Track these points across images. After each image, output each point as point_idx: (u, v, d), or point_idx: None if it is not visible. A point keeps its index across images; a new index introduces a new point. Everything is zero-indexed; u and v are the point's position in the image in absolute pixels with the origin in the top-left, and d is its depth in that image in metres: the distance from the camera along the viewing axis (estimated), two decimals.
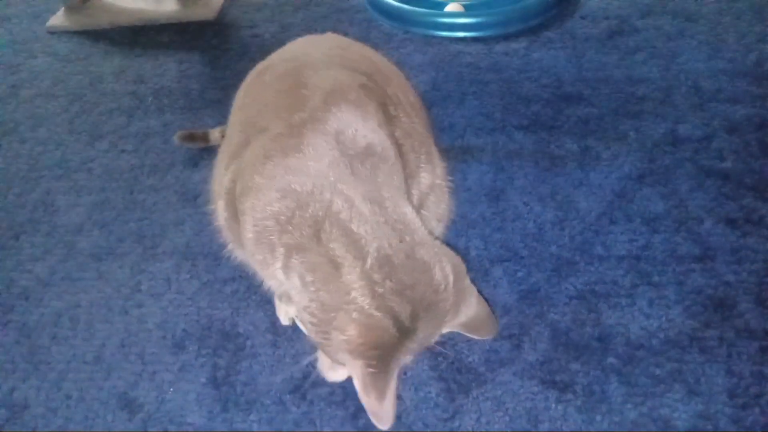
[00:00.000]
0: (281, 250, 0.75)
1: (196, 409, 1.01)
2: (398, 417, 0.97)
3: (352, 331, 0.70)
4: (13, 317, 1.19)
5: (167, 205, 1.39)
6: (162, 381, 1.05)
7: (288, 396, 1.01)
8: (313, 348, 1.07)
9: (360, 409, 0.99)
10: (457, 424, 0.97)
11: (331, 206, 0.73)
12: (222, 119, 1.35)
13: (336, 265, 0.71)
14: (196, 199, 1.38)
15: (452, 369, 1.04)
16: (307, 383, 1.03)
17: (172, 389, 1.04)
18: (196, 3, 2.13)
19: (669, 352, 1.05)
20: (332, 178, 0.74)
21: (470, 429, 0.96)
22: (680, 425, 0.96)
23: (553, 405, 0.99)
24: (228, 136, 1.00)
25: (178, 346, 1.10)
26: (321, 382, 1.03)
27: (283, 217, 0.74)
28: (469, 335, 0.84)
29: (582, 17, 1.93)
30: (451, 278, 0.75)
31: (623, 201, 1.31)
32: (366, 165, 0.76)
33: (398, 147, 0.87)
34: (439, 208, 1.01)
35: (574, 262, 1.20)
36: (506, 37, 1.86)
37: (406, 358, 0.74)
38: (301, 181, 0.74)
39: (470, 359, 1.06)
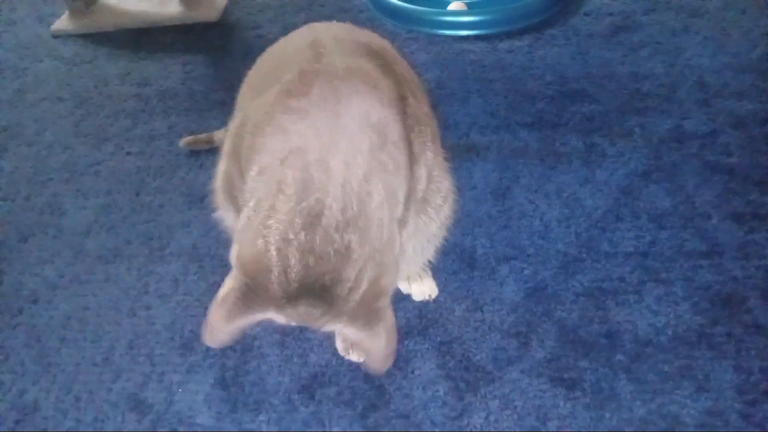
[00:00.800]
0: (255, 167, 0.74)
1: (205, 410, 1.01)
2: (407, 416, 0.98)
3: (248, 252, 0.69)
4: (22, 320, 1.19)
5: (174, 207, 1.40)
6: (171, 382, 1.06)
7: (296, 396, 1.02)
8: (322, 344, 1.08)
9: (368, 409, 1.00)
10: (465, 422, 0.97)
11: (306, 144, 0.71)
12: (226, 120, 1.35)
13: (279, 189, 0.70)
14: (202, 200, 1.38)
15: (460, 367, 1.04)
16: (315, 383, 1.03)
17: (180, 390, 1.04)
18: (199, 5, 2.14)
19: (677, 348, 1.04)
20: (321, 127, 0.72)
21: (479, 427, 0.97)
22: (689, 422, 0.95)
23: (562, 402, 0.99)
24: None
25: (186, 347, 1.11)
26: (329, 381, 1.03)
27: (270, 146, 0.74)
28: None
29: (585, 14, 1.93)
30: (362, 287, 0.70)
31: (629, 198, 1.31)
32: (357, 128, 0.73)
33: (408, 126, 0.85)
34: (443, 186, 0.99)
35: (580, 260, 1.20)
36: (510, 35, 1.85)
37: (277, 317, 0.71)
38: (295, 119, 0.73)
39: (478, 357, 1.06)
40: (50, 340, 1.15)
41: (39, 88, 1.85)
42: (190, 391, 1.04)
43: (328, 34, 0.93)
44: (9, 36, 2.14)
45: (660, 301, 1.12)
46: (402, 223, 0.80)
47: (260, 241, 0.68)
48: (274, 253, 0.67)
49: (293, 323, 0.73)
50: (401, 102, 0.84)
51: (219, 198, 0.96)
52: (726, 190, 1.30)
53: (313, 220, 0.68)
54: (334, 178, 0.69)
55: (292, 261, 0.67)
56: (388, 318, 0.73)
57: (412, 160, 0.88)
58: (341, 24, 1.07)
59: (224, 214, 0.98)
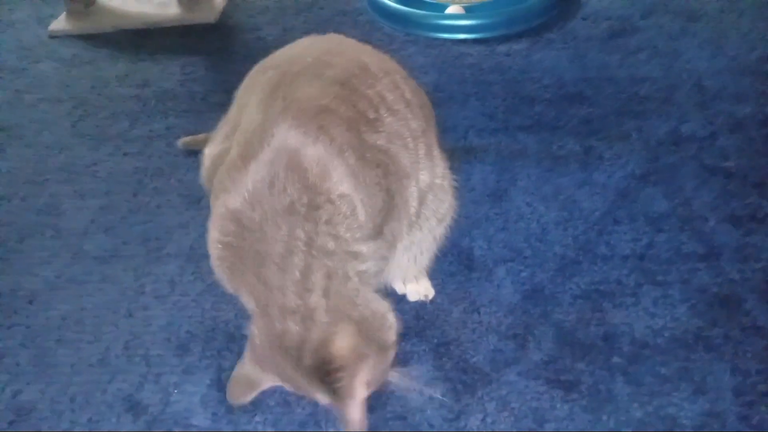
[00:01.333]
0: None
1: (201, 411, 1.01)
2: (404, 417, 0.98)
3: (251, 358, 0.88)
4: (18, 320, 1.19)
5: (171, 208, 1.40)
6: (167, 383, 1.05)
7: (292, 397, 1.01)
8: None
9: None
10: (462, 424, 0.97)
11: (247, 260, 0.82)
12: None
13: (254, 313, 0.86)
14: (200, 201, 1.38)
15: (457, 369, 1.04)
16: None
17: (176, 391, 1.04)
18: (197, 6, 2.14)
19: (675, 350, 1.04)
20: (257, 234, 0.81)
21: (476, 429, 0.96)
22: (687, 424, 0.95)
23: (559, 404, 0.99)
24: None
25: (183, 348, 1.10)
26: None
27: (218, 252, 0.86)
28: None
29: (583, 18, 1.94)
30: (305, 359, 0.80)
31: (627, 200, 1.31)
32: (286, 225, 0.80)
33: (382, 153, 0.88)
34: (441, 208, 1.01)
35: (578, 262, 1.20)
36: (508, 39, 1.86)
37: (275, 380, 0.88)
38: (236, 228, 0.82)
39: (475, 359, 1.05)
40: (46, 341, 1.14)
41: (37, 89, 1.85)
42: (187, 392, 1.04)
43: (294, 67, 0.94)
44: (7, 37, 2.14)
45: (657, 303, 1.12)
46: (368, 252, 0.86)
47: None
48: (254, 329, 0.86)
49: (288, 388, 0.89)
50: (370, 130, 0.88)
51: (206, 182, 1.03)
52: (724, 192, 1.30)
53: (263, 313, 0.83)
54: (272, 284, 0.81)
55: (261, 339, 0.85)
56: (345, 387, 0.79)
57: (401, 175, 0.92)
58: (327, 41, 1.08)
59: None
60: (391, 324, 0.86)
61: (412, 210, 0.96)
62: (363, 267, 0.85)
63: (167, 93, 1.77)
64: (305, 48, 1.04)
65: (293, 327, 0.79)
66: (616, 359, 1.04)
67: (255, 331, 0.85)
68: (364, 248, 0.85)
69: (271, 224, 0.80)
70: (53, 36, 2.12)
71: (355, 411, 0.81)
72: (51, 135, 1.66)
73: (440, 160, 1.01)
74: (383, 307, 0.87)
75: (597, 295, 1.14)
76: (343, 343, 0.78)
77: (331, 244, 0.81)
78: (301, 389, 0.85)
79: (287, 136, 0.81)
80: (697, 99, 1.53)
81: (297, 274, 0.80)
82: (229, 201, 0.82)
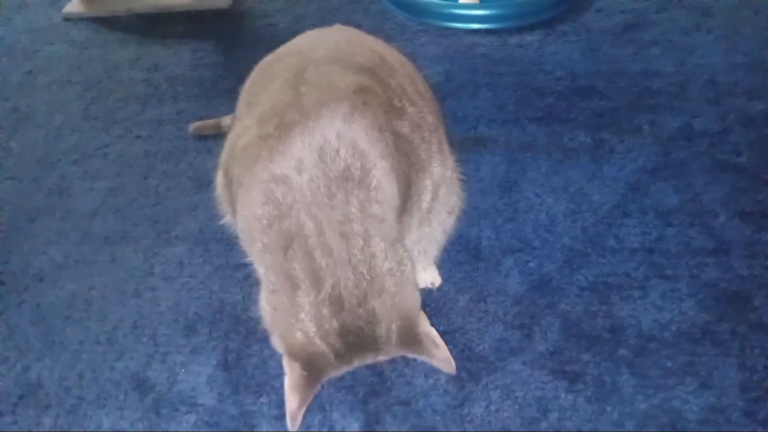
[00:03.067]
0: (258, 244, 0.80)
1: (207, 391, 1.02)
2: (407, 403, 0.99)
3: (294, 342, 0.79)
4: (28, 298, 1.20)
5: (180, 191, 1.40)
6: (174, 363, 1.06)
7: None
8: None
9: (369, 395, 1.00)
10: (466, 411, 0.97)
11: (302, 228, 0.77)
12: (235, 106, 1.36)
13: (294, 284, 0.78)
14: (209, 185, 1.37)
15: (462, 357, 1.04)
16: None
17: (183, 371, 1.05)
18: None
19: (681, 344, 1.04)
20: (309, 198, 0.77)
21: (479, 416, 0.97)
22: (691, 417, 0.95)
23: (563, 395, 0.99)
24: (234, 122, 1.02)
25: (190, 328, 1.11)
26: None
27: (264, 221, 0.79)
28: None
29: (597, 11, 1.92)
30: (394, 335, 0.80)
31: (637, 194, 1.31)
32: (342, 191, 0.78)
33: (407, 142, 0.88)
34: (450, 200, 1.01)
35: (586, 254, 1.20)
36: (520, 30, 1.85)
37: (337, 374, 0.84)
38: (283, 191, 0.77)
39: (480, 348, 1.06)
40: (55, 319, 1.15)
41: (49, 71, 1.86)
42: (193, 372, 1.04)
43: (319, 54, 0.93)
44: (21, 19, 2.15)
45: (665, 297, 1.11)
46: (401, 230, 0.86)
47: (300, 335, 0.79)
48: (318, 341, 0.79)
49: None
50: (396, 117, 0.87)
51: (220, 203, 1.03)
52: (734, 188, 1.29)
53: (336, 307, 0.78)
54: (338, 257, 0.77)
55: (336, 344, 0.79)
56: (428, 335, 0.84)
57: (418, 168, 0.91)
58: (337, 32, 1.08)
59: (226, 216, 1.04)
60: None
61: (425, 205, 0.96)
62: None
63: (178, 77, 1.77)
64: (318, 38, 1.04)
65: (378, 306, 0.79)
66: (622, 351, 1.04)
67: (323, 345, 0.79)
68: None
69: (324, 190, 0.77)
70: (67, 18, 2.12)
71: (445, 353, 0.85)
72: (62, 117, 1.67)
73: (449, 153, 1.01)
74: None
75: (604, 287, 1.14)
76: (413, 302, 0.82)
77: (379, 211, 0.79)
78: (373, 361, 0.84)
79: (335, 107, 0.80)
80: (709, 94, 1.52)
81: (360, 241, 0.78)
82: (272, 167, 0.78)
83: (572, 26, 1.85)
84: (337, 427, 0.96)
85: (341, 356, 0.80)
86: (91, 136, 1.59)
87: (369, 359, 0.82)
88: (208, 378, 1.03)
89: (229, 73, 1.77)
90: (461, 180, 1.04)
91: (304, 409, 0.81)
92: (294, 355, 0.80)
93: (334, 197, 0.77)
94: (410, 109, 0.91)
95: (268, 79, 0.94)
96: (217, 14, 2.06)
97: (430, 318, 1.08)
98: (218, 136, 1.49)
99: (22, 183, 1.47)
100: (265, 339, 1.07)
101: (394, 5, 2.02)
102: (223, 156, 0.95)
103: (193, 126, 1.55)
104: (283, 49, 1.01)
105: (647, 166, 1.36)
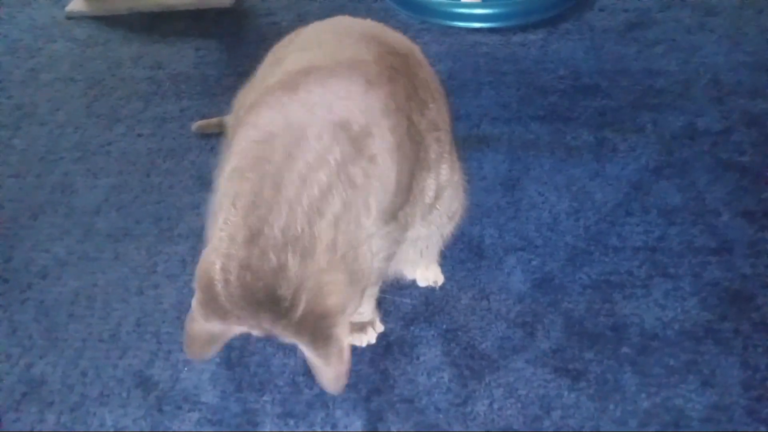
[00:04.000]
0: (229, 167, 0.76)
1: (210, 389, 1.02)
2: (410, 401, 0.99)
3: (200, 266, 0.72)
4: (31, 295, 1.20)
5: (183, 189, 1.40)
6: (177, 360, 1.06)
7: (301, 378, 1.02)
8: None
9: (372, 392, 1.00)
10: (469, 409, 0.97)
11: (271, 156, 0.72)
12: None
13: (234, 202, 0.71)
14: (211, 183, 1.38)
15: (465, 355, 1.04)
16: None
17: (186, 368, 1.05)
18: None
19: (684, 343, 1.04)
20: (295, 133, 0.72)
21: (482, 414, 0.97)
22: (694, 416, 0.95)
23: (566, 393, 0.99)
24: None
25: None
26: None
27: (245, 145, 0.75)
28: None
29: (600, 9, 1.92)
30: (300, 306, 0.69)
31: (640, 193, 1.30)
32: (331, 136, 0.72)
33: (420, 137, 0.86)
34: (453, 206, 1.01)
35: (588, 252, 1.20)
36: (524, 29, 1.84)
37: (238, 328, 0.74)
38: (278, 123, 0.74)
39: (483, 346, 1.06)
40: (58, 316, 1.16)
41: (52, 69, 1.86)
42: (196, 370, 1.05)
43: (353, 30, 0.92)
44: (24, 16, 2.14)
45: (668, 295, 1.11)
46: (380, 235, 0.79)
47: (212, 255, 0.70)
48: (218, 267, 0.69)
49: (257, 334, 0.75)
50: (413, 106, 0.84)
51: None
52: (737, 187, 1.29)
53: (253, 236, 0.69)
54: (283, 195, 0.70)
55: (232, 276, 0.69)
56: (337, 341, 0.72)
57: (425, 166, 0.90)
58: (372, 22, 1.06)
59: None
60: (373, 272, 0.79)
61: (428, 200, 0.95)
62: (373, 240, 0.78)
63: (181, 75, 1.77)
64: (349, 21, 1.02)
65: (292, 266, 0.68)
66: (624, 350, 1.04)
67: (219, 272, 0.70)
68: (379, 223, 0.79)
69: (315, 131, 0.72)
70: (70, 17, 2.12)
71: (343, 365, 0.73)
72: (65, 114, 1.67)
73: (456, 156, 1.01)
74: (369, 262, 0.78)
75: (607, 285, 1.14)
76: (336, 297, 0.71)
77: (361, 181, 0.73)
78: (280, 336, 0.74)
79: (363, 67, 0.78)
80: (713, 93, 1.52)
81: (316, 190, 0.70)
82: (282, 98, 0.75)
83: (575, 25, 1.85)
84: (340, 425, 0.96)
85: (234, 296, 0.69)
86: (94, 133, 1.59)
87: (264, 319, 0.70)
88: (211, 376, 1.04)
89: (232, 70, 1.77)
90: (465, 185, 1.04)
91: (198, 342, 0.76)
92: (198, 278, 0.72)
93: (320, 139, 0.72)
94: (431, 105, 0.90)
95: (297, 45, 0.93)
96: (220, 12, 2.06)
97: (432, 316, 1.11)
98: (221, 134, 1.49)
99: (25, 180, 1.47)
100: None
101: (398, 4, 2.02)
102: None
103: (196, 124, 1.55)
104: (301, 30, 0.99)
105: (650, 165, 1.36)
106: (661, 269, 1.16)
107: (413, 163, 0.85)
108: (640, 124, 1.47)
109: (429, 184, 0.93)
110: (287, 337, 0.73)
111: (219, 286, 0.69)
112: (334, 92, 0.76)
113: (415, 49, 0.97)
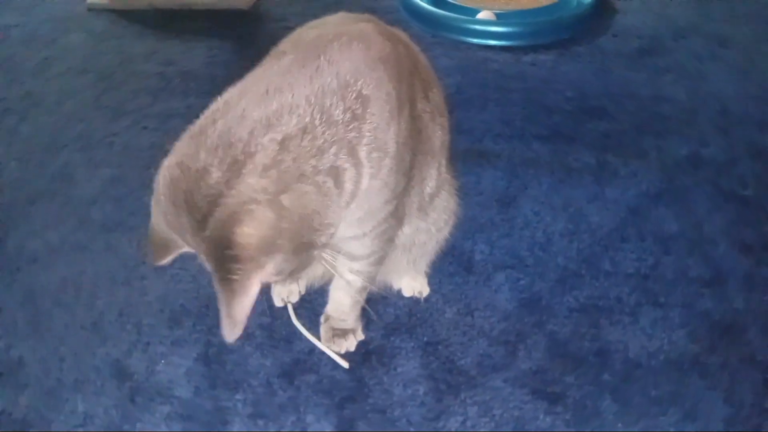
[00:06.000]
0: None
1: (185, 384, 1.01)
2: (383, 411, 0.97)
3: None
4: (19, 279, 1.21)
5: None
6: (155, 353, 1.06)
7: (276, 379, 1.01)
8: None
9: (346, 400, 0.99)
10: (441, 424, 0.96)
11: (262, 79, 0.71)
12: None
13: (208, 112, 0.70)
14: None
15: (443, 369, 1.03)
16: (296, 369, 1.03)
17: (163, 361, 1.04)
18: None
19: (668, 373, 1.02)
20: (301, 62, 0.70)
21: (454, 431, 0.95)
22: None
23: (542, 416, 0.97)
24: None
25: (175, 320, 1.11)
26: (310, 369, 1.03)
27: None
28: None
29: (614, 34, 1.91)
30: (209, 225, 0.63)
31: (637, 218, 1.29)
32: (327, 84, 0.69)
33: (424, 118, 0.85)
34: (448, 207, 1.00)
35: (579, 275, 1.18)
36: (535, 48, 1.84)
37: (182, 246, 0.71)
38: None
39: (462, 362, 1.04)
40: (44, 302, 1.16)
41: (65, 60, 1.89)
42: (173, 364, 1.04)
43: (357, 23, 0.92)
44: (44, 7, 2.19)
45: (656, 324, 1.09)
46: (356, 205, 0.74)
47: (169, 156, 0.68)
48: (165, 163, 0.68)
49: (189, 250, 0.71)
50: (416, 84, 0.82)
51: None
52: (737, 219, 1.27)
53: (195, 134, 0.67)
54: (243, 101, 0.67)
55: (167, 173, 0.66)
56: (241, 285, 0.64)
57: (427, 150, 0.88)
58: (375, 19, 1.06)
59: None
60: (323, 226, 0.70)
61: (428, 190, 0.93)
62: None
63: (190, 73, 1.79)
64: (354, 16, 1.03)
65: (215, 172, 0.63)
66: (606, 376, 1.02)
67: (164, 168, 0.67)
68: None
69: (315, 68, 0.69)
70: (91, 9, 2.16)
71: (240, 311, 0.65)
72: (73, 105, 1.69)
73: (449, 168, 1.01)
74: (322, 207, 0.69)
75: (595, 310, 1.12)
76: (251, 230, 0.63)
77: (341, 116, 0.68)
78: (200, 258, 0.69)
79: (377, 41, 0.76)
80: (720, 123, 1.50)
81: (274, 104, 0.66)
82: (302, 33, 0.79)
83: (587, 48, 1.84)
84: (310, 429, 0.95)
85: (165, 195, 0.67)
86: (100, 125, 1.61)
87: (184, 227, 0.66)
88: (187, 371, 1.03)
89: (242, 72, 1.75)
90: (458, 197, 1.03)
91: (156, 248, 0.73)
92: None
93: (320, 76, 0.68)
94: (435, 90, 0.90)
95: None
96: (235, 14, 2.09)
97: (414, 328, 1.09)
98: None
99: (27, 166, 1.49)
100: (247, 336, 1.08)
101: (411, 16, 2.03)
102: None
103: None
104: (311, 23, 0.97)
105: (650, 191, 1.34)
106: (652, 297, 1.14)
107: (416, 143, 0.82)
108: (644, 150, 1.45)
109: (431, 174, 0.92)
110: (201, 257, 0.67)
111: (160, 183, 0.67)
112: (338, 49, 0.72)
113: (413, 45, 0.97)
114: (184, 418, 0.97)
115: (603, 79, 1.69)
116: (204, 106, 1.80)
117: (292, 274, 0.71)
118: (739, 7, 2.04)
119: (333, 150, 0.68)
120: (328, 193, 0.68)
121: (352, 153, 0.70)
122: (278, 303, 1.11)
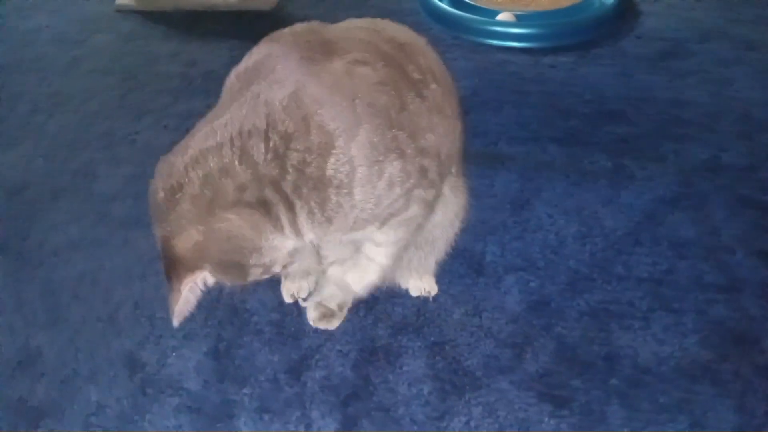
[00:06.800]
0: None
1: (194, 377, 1.03)
2: (387, 410, 0.98)
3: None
4: (41, 272, 1.25)
5: None
6: (166, 346, 1.08)
7: (283, 375, 1.03)
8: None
9: (351, 397, 1.00)
10: (445, 424, 0.96)
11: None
12: None
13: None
14: None
15: (449, 369, 1.03)
16: (303, 365, 1.04)
17: (174, 354, 1.07)
18: None
19: (678, 380, 1.00)
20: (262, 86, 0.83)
21: (458, 431, 0.95)
22: None
23: (547, 419, 0.96)
24: None
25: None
26: (317, 365, 1.04)
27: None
28: None
29: (637, 36, 1.89)
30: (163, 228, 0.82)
31: (652, 223, 1.27)
32: (289, 109, 0.78)
33: (419, 117, 0.86)
34: (455, 207, 1.01)
35: (591, 279, 1.17)
36: (555, 50, 1.83)
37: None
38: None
39: (468, 362, 1.04)
40: (63, 294, 1.19)
41: (93, 60, 1.94)
42: (183, 357, 1.06)
43: (349, 31, 0.95)
44: (74, 8, 2.25)
45: (668, 330, 1.08)
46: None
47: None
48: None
49: None
50: (400, 86, 0.85)
51: None
52: (755, 226, 1.24)
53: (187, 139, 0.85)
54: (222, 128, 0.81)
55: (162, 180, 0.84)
56: (173, 280, 0.81)
57: (440, 137, 0.90)
58: (375, 20, 1.08)
59: None
60: (251, 250, 0.82)
61: (453, 171, 0.97)
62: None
63: (212, 73, 1.82)
64: (364, 20, 1.06)
65: (161, 194, 0.82)
66: (614, 381, 1.01)
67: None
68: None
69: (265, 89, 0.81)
70: (119, 10, 2.22)
71: (173, 301, 0.83)
72: (98, 103, 1.74)
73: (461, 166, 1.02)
74: (269, 243, 0.83)
75: (605, 314, 1.11)
76: (180, 243, 0.80)
77: (261, 156, 0.78)
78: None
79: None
80: (741, 129, 1.47)
81: (209, 141, 0.80)
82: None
83: (608, 50, 1.82)
84: (314, 426, 0.96)
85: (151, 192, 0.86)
86: (123, 123, 1.65)
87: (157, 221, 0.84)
88: (197, 364, 1.05)
89: None
90: (469, 197, 1.03)
91: None
92: None
93: (248, 114, 0.80)
94: (433, 86, 0.90)
95: None
96: (258, 15, 2.12)
97: (422, 328, 1.10)
98: None
99: (52, 163, 1.54)
100: (256, 332, 1.10)
101: (432, 18, 2.03)
102: None
103: None
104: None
105: (666, 196, 1.32)
106: (665, 303, 1.12)
107: (412, 143, 0.85)
108: (662, 154, 1.43)
109: (451, 155, 0.95)
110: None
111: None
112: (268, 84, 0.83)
113: (416, 41, 0.97)
114: (192, 410, 0.99)
115: (623, 81, 1.67)
116: None
117: (235, 282, 0.86)
118: None
119: (254, 186, 0.78)
120: (257, 223, 0.81)
121: (278, 189, 0.79)
122: (288, 299, 1.12)
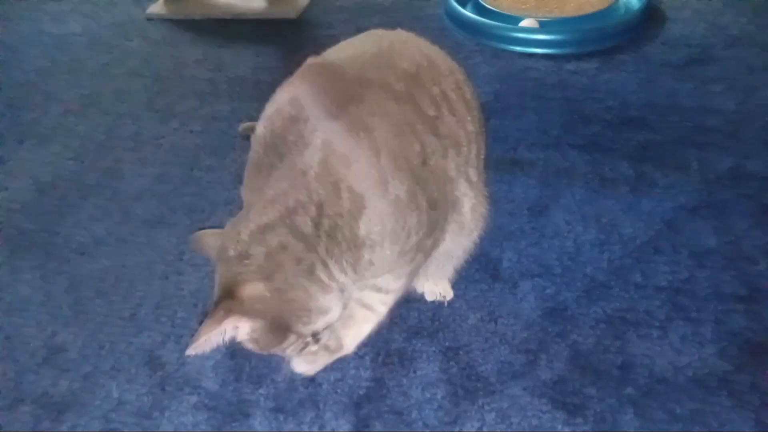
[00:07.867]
0: None
1: (212, 376, 1.06)
2: (400, 413, 0.99)
3: None
4: (67, 269, 1.28)
5: (221, 185, 1.47)
6: (186, 345, 1.10)
7: (299, 375, 1.04)
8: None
9: (364, 399, 1.01)
10: (457, 429, 0.96)
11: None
12: None
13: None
14: None
15: (462, 375, 1.03)
16: None
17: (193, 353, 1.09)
18: (282, 1, 2.23)
19: (694, 391, 0.99)
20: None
21: None
22: None
23: (560, 426, 0.96)
24: None
25: (207, 314, 1.15)
26: (333, 367, 1.05)
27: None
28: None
29: (663, 43, 1.87)
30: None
31: (672, 231, 1.26)
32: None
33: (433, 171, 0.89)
34: (474, 218, 1.01)
35: (608, 287, 1.16)
36: (578, 56, 1.82)
37: None
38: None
39: (482, 368, 1.04)
40: (87, 291, 1.23)
41: (123, 64, 1.99)
42: (202, 357, 1.07)
43: (368, 53, 0.96)
44: (107, 15, 2.32)
45: (685, 340, 1.06)
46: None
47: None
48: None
49: None
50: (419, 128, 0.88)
51: None
52: None
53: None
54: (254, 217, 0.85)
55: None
56: (219, 312, 0.82)
57: (447, 180, 0.93)
58: (399, 34, 1.09)
59: None
60: (304, 313, 0.86)
61: (466, 208, 0.99)
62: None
63: (237, 78, 1.85)
64: (376, 37, 1.06)
65: (231, 251, 0.84)
66: (629, 390, 1.00)
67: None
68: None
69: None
70: (149, 18, 2.28)
71: (203, 332, 0.82)
72: (127, 106, 1.79)
73: (480, 166, 1.02)
74: (318, 304, 0.87)
75: (621, 322, 1.10)
76: (249, 290, 0.82)
77: (310, 231, 0.83)
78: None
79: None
80: (766, 137, 1.44)
81: (265, 218, 0.83)
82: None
83: (633, 56, 1.81)
84: (327, 427, 0.97)
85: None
86: (150, 126, 1.69)
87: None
88: (215, 363, 1.07)
89: (286, 78, 1.83)
90: (488, 199, 1.04)
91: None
92: None
93: (295, 192, 0.83)
94: (448, 119, 0.92)
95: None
96: (284, 22, 2.16)
97: (436, 332, 1.10)
98: None
99: (81, 163, 1.58)
100: None
101: (455, 24, 2.04)
102: None
103: (242, 126, 1.61)
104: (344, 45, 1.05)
105: (688, 204, 1.31)
106: (683, 312, 1.11)
107: (428, 194, 0.88)
108: (684, 162, 1.42)
109: (461, 193, 0.97)
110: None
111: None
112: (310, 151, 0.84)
113: (437, 61, 0.98)
114: (209, 408, 1.01)
115: (646, 88, 1.66)
116: (248, 110, 1.87)
117: (265, 346, 0.88)
118: None
119: (307, 256, 0.83)
120: (310, 288, 0.85)
121: (325, 267, 0.85)
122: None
